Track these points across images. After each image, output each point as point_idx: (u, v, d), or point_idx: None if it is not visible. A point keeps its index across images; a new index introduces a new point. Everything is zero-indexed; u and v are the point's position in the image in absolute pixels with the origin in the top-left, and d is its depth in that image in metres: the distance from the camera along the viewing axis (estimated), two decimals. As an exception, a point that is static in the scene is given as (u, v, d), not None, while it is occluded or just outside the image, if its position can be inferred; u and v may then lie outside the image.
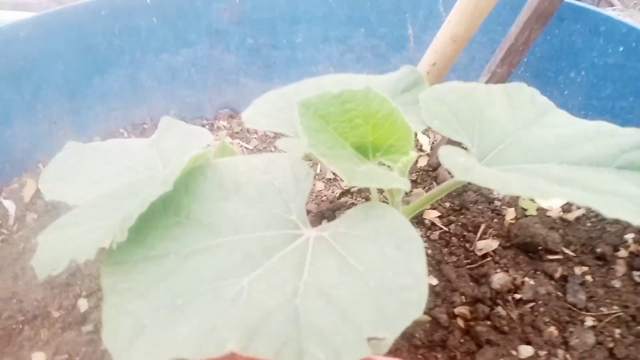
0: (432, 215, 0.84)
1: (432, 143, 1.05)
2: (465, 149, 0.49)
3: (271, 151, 1.05)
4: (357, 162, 0.43)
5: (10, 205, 0.89)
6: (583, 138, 0.51)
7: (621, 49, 0.90)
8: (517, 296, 0.71)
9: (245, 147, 1.08)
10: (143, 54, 1.04)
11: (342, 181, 0.94)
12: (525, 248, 0.78)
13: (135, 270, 0.37)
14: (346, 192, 0.91)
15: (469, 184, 0.68)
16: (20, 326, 0.70)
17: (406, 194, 0.78)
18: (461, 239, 0.80)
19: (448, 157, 0.43)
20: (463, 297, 0.71)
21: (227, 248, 0.39)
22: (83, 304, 0.72)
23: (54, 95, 0.96)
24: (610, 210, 0.37)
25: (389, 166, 0.46)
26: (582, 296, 0.72)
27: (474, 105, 0.53)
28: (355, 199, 0.89)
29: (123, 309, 0.35)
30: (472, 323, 0.68)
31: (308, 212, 0.86)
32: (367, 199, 0.88)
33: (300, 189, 0.43)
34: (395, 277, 0.35)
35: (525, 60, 0.99)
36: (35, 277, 0.76)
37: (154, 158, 0.59)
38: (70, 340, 0.67)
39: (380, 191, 0.69)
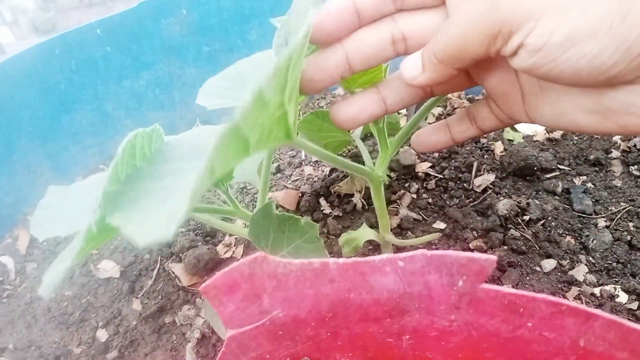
0: (424, 167, 0.85)
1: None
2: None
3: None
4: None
5: (8, 261, 0.87)
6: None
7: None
8: (526, 217, 0.71)
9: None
10: (104, 84, 1.04)
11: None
12: (522, 172, 0.79)
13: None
14: (335, 169, 0.91)
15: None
16: (45, 370, 0.68)
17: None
18: (458, 181, 0.81)
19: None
20: (474, 232, 0.71)
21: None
22: (102, 334, 0.71)
23: (26, 143, 0.95)
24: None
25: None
26: (588, 202, 0.72)
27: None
28: (345, 173, 0.88)
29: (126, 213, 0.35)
30: (489, 252, 0.68)
31: (303, 194, 0.86)
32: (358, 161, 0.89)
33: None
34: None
35: None
36: (49, 321, 0.75)
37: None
38: (98, 371, 0.66)
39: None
